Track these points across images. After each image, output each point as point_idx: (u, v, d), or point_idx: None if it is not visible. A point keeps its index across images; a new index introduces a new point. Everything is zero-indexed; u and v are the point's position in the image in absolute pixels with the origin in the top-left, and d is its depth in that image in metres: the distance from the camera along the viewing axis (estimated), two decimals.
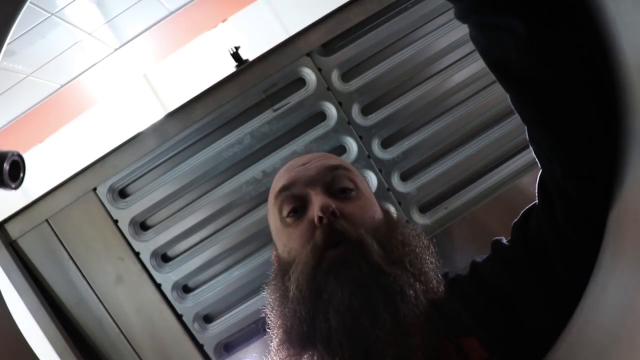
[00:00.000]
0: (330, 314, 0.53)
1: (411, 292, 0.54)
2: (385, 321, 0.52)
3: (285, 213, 0.64)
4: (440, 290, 0.59)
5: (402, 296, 0.53)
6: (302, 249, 0.58)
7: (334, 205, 0.58)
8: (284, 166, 0.71)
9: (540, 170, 0.53)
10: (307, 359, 0.55)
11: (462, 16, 0.50)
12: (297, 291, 0.56)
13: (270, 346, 0.62)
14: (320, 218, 0.57)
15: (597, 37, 0.42)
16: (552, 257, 0.53)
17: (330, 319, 0.53)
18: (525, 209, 0.60)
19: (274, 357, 0.60)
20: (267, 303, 0.64)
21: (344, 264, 0.55)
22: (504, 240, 0.62)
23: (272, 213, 0.67)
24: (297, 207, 0.63)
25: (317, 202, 0.59)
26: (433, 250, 0.63)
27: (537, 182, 0.55)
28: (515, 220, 0.61)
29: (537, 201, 0.56)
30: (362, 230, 0.58)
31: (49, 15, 2.14)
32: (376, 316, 0.52)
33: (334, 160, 0.69)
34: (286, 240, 0.63)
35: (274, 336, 0.61)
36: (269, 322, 0.62)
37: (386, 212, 0.69)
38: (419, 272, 0.58)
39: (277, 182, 0.68)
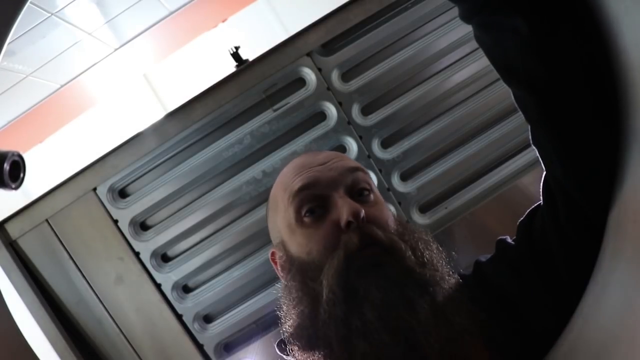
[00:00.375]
0: (366, 309, 0.52)
1: (443, 284, 0.55)
2: (423, 308, 0.51)
3: (303, 212, 0.62)
4: (462, 291, 0.59)
5: (438, 287, 0.54)
6: (330, 253, 0.57)
7: (363, 211, 0.57)
8: (295, 163, 0.68)
9: (545, 171, 0.53)
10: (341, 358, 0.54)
11: (466, 17, 0.50)
12: (331, 294, 0.54)
13: (292, 347, 0.60)
14: (349, 223, 0.56)
15: (599, 36, 0.42)
16: (556, 257, 0.53)
17: (365, 314, 0.52)
18: (530, 209, 0.60)
19: (296, 354, 0.59)
20: (282, 303, 0.62)
21: (377, 264, 0.55)
22: (509, 240, 0.62)
23: (283, 211, 0.65)
24: (316, 207, 0.61)
25: (344, 205, 0.58)
26: (443, 253, 0.63)
27: (541, 182, 0.55)
28: (521, 219, 0.61)
29: (541, 201, 0.56)
30: (393, 235, 0.58)
31: (49, 15, 2.14)
32: (413, 305, 0.52)
33: (352, 162, 0.67)
34: (305, 240, 0.60)
35: (297, 338, 0.59)
36: (287, 322, 0.60)
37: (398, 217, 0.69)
38: (445, 272, 0.58)
39: (293, 180, 0.64)
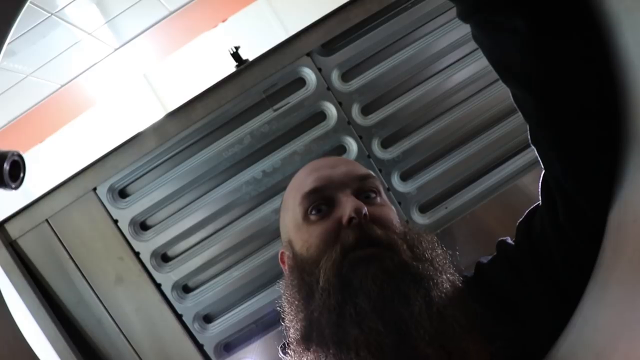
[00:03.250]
0: (361, 299, 0.53)
1: (440, 280, 0.56)
2: (417, 301, 0.52)
3: (310, 210, 0.64)
4: (462, 289, 0.59)
5: (433, 282, 0.55)
6: (328, 248, 0.59)
7: (366, 209, 0.59)
8: (310, 166, 0.71)
9: (543, 170, 0.53)
10: (334, 353, 0.54)
11: (464, 16, 0.50)
12: (327, 284, 0.56)
13: (290, 342, 0.61)
14: (351, 219, 0.58)
15: (599, 36, 0.42)
16: (555, 257, 0.53)
17: (360, 304, 0.53)
18: (529, 209, 0.60)
19: (295, 352, 0.60)
20: (283, 299, 0.64)
21: (373, 258, 0.56)
22: (509, 241, 0.62)
23: (292, 210, 0.67)
24: (322, 205, 0.64)
25: (348, 203, 0.60)
26: (449, 257, 0.64)
27: (540, 182, 0.55)
28: (520, 220, 0.61)
29: (540, 201, 0.56)
30: (393, 233, 0.60)
31: (49, 15, 2.15)
32: (408, 298, 0.53)
33: (363, 169, 0.70)
34: (307, 236, 0.63)
35: (293, 331, 0.60)
36: (286, 317, 0.62)
37: (403, 221, 0.70)
38: (445, 271, 0.59)
39: (304, 182, 0.67)
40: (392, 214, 0.66)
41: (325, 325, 0.55)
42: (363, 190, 0.65)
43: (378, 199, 0.66)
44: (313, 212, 0.64)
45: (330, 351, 0.54)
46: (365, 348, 0.51)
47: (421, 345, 0.50)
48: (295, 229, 0.66)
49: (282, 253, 0.71)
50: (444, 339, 0.51)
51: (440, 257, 0.61)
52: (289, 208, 0.68)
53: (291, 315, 0.61)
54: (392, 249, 0.57)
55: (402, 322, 0.51)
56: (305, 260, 0.61)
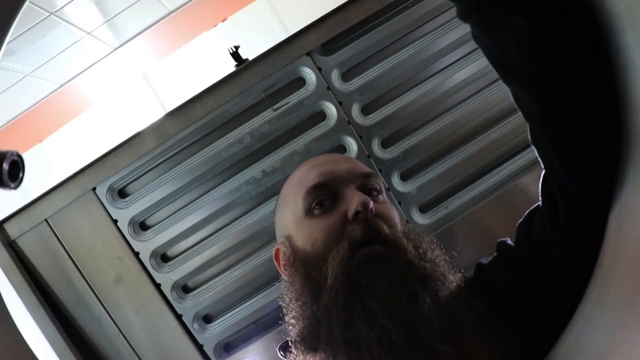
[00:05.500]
0: (369, 299, 0.53)
1: (445, 280, 0.56)
2: (425, 300, 0.53)
3: (313, 205, 0.63)
4: (466, 289, 0.60)
5: (440, 282, 0.55)
6: (335, 243, 0.58)
7: (372, 203, 0.59)
8: (312, 162, 0.70)
9: (543, 170, 0.53)
10: (345, 352, 0.53)
11: (464, 16, 0.50)
12: (336, 282, 0.55)
13: (293, 340, 0.60)
14: (357, 213, 0.58)
15: (599, 36, 0.42)
16: (556, 257, 0.53)
17: (368, 304, 0.53)
18: (529, 210, 0.60)
19: (299, 351, 0.59)
20: (284, 297, 0.63)
21: (381, 257, 0.56)
22: (509, 241, 0.62)
23: (293, 205, 0.66)
24: (326, 200, 0.63)
25: (355, 197, 0.60)
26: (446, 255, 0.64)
27: (540, 182, 0.54)
28: (520, 220, 0.61)
29: (540, 201, 0.56)
30: (397, 232, 0.60)
31: (48, 14, 2.14)
32: (416, 297, 0.53)
33: (365, 167, 0.70)
34: (311, 231, 0.61)
35: (298, 330, 0.59)
36: (290, 316, 0.61)
37: (404, 221, 0.70)
38: (449, 271, 0.60)
39: (308, 177, 0.66)
40: (395, 213, 0.66)
41: (335, 324, 0.54)
42: (366, 187, 0.65)
43: (380, 197, 0.66)
44: (317, 207, 0.62)
45: (341, 350, 0.53)
46: (378, 345, 0.51)
47: (433, 342, 0.50)
48: (296, 223, 0.65)
49: (278, 250, 0.70)
50: (454, 337, 0.51)
51: (442, 257, 0.61)
52: (290, 203, 0.67)
53: (296, 313, 0.60)
54: (398, 248, 0.57)
55: (412, 320, 0.51)
56: (310, 256, 0.60)
